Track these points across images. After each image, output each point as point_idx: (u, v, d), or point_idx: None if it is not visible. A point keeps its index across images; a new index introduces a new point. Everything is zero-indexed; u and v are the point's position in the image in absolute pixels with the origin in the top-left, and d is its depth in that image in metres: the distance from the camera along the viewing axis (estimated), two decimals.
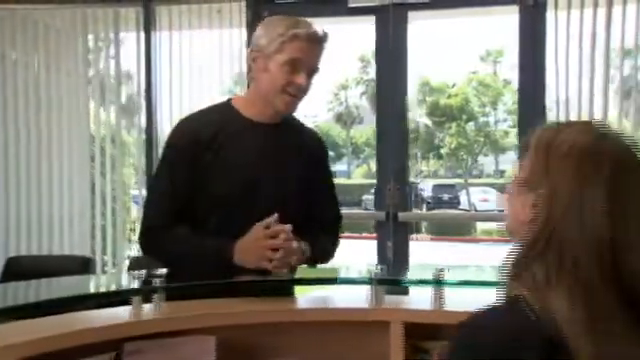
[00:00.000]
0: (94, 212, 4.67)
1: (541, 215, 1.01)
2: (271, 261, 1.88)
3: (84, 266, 3.92)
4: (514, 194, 1.10)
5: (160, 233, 2.03)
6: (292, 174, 2.09)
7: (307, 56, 2.02)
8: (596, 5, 3.90)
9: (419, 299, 1.84)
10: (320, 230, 2.14)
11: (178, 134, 2.10)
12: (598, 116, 4.06)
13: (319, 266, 2.16)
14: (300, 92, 2.05)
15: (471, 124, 24.05)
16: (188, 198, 2.02)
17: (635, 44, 3.90)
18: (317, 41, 2.03)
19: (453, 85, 24.41)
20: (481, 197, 21.43)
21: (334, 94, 31.36)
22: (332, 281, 2.08)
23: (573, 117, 4.10)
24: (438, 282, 1.75)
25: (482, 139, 23.86)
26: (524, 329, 0.97)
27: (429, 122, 24.21)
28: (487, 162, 26.01)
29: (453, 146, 23.73)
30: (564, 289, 0.97)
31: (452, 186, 22.96)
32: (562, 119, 4.08)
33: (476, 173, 26.89)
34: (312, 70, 2.06)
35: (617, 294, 0.97)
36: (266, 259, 1.89)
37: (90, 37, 4.68)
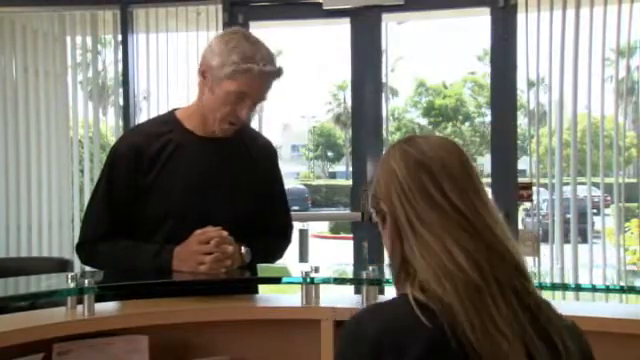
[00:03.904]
0: (74, 214, 4.69)
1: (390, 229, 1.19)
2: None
3: (61, 268, 3.95)
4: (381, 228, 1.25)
5: (95, 246, 2.05)
6: (240, 189, 2.09)
7: (257, 91, 2.00)
8: (565, 7, 3.94)
9: (356, 298, 1.86)
10: (267, 235, 2.15)
11: (122, 144, 2.10)
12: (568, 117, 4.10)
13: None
14: (240, 121, 2.04)
15: (467, 124, 24.14)
16: (127, 210, 2.03)
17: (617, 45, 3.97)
18: (270, 77, 2.00)
19: (451, 85, 24.48)
20: None
21: (333, 95, 31.45)
22: (275, 281, 2.11)
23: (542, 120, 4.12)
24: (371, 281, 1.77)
25: (478, 139, 23.92)
26: (408, 324, 1.06)
27: (425, 122, 24.27)
28: (486, 162, 26.09)
29: None
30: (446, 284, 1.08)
31: None
32: (535, 119, 4.11)
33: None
34: (258, 101, 2.04)
35: (463, 240, 1.11)
36: (199, 263, 1.92)
37: (68, 39, 4.72)
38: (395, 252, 1.17)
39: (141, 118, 4.61)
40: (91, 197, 2.12)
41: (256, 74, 1.95)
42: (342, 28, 4.32)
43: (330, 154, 32.43)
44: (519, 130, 4.35)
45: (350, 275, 2.21)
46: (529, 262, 3.90)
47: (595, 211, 4.23)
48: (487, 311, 1.04)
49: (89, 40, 4.66)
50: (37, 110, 4.63)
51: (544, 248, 4.05)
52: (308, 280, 1.80)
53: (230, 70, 1.95)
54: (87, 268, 2.17)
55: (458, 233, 1.10)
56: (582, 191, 4.22)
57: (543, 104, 4.30)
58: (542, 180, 4.17)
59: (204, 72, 2.02)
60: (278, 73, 2.02)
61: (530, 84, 4.12)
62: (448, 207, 1.12)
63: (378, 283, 1.78)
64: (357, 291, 2.33)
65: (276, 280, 2.12)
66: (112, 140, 5.00)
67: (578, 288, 1.86)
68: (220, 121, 2.02)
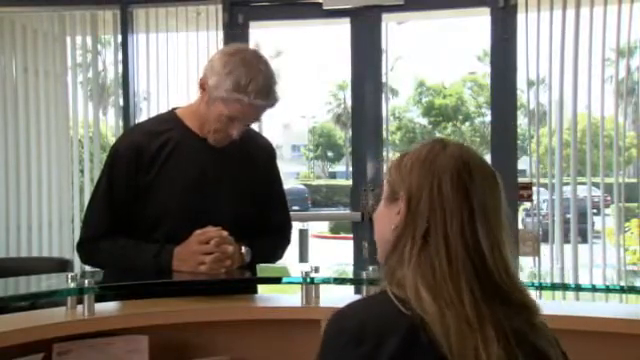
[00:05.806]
0: (74, 214, 4.69)
1: (403, 215, 1.17)
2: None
3: (61, 268, 3.94)
4: (382, 210, 1.24)
5: (95, 244, 2.05)
6: (240, 189, 2.10)
7: (247, 117, 2.02)
8: (565, 7, 3.94)
9: (356, 298, 1.86)
10: (267, 234, 2.15)
11: (123, 143, 2.11)
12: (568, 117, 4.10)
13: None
14: (232, 138, 2.05)
15: (467, 124, 24.12)
16: (128, 209, 2.03)
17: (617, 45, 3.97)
18: (261, 108, 2.02)
19: (451, 85, 24.47)
20: None
21: (333, 95, 31.41)
22: (276, 281, 2.11)
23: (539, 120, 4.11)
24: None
25: (478, 139, 23.91)
26: (388, 316, 1.10)
27: (425, 122, 24.27)
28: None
29: None
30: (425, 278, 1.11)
31: None
32: (535, 119, 4.10)
33: None
34: (250, 123, 2.08)
35: (471, 275, 1.11)
36: (199, 263, 1.92)
37: (68, 39, 4.71)
38: (397, 248, 1.16)
39: (141, 118, 4.61)
40: (92, 196, 2.12)
41: (246, 105, 1.96)
42: (342, 28, 4.32)
43: (330, 154, 32.39)
44: (519, 130, 4.36)
45: (350, 275, 2.22)
46: (529, 262, 3.93)
47: (595, 211, 4.23)
48: (475, 351, 1.05)
49: (89, 40, 4.66)
50: (37, 110, 4.63)
51: (544, 248, 4.05)
52: (308, 280, 1.80)
53: (221, 96, 1.96)
54: (87, 268, 2.18)
55: (468, 269, 1.11)
56: (582, 191, 4.22)
57: (543, 104, 4.30)
58: (542, 180, 4.17)
59: (202, 85, 2.03)
60: (271, 105, 2.03)
61: (530, 84, 4.12)
62: (472, 243, 1.12)
63: (378, 283, 1.78)
64: (357, 291, 2.33)
65: (276, 280, 2.12)
66: (112, 140, 4.98)
67: (578, 288, 1.86)
68: (213, 133, 2.04)
